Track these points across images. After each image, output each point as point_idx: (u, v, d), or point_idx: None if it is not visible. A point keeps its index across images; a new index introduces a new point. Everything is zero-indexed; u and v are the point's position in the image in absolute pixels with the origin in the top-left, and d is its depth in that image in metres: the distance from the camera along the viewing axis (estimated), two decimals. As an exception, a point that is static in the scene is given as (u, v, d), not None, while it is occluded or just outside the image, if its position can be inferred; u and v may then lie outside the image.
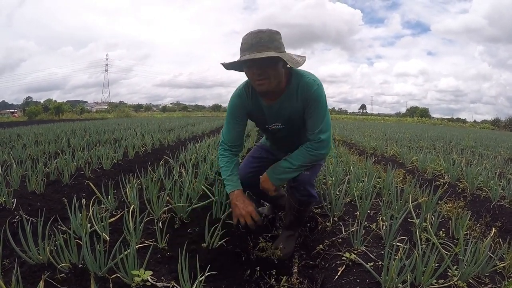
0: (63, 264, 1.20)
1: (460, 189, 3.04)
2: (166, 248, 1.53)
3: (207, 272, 1.24)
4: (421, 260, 1.24)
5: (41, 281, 0.99)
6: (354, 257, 1.49)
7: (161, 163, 3.25)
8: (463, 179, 3.22)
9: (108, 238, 1.47)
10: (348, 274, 1.43)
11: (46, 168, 3.07)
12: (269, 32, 1.37)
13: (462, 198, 2.83)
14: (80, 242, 1.34)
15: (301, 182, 1.64)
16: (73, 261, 1.24)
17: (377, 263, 1.46)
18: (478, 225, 2.27)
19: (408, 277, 1.19)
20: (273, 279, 1.47)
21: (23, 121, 16.92)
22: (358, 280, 1.37)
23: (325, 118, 1.52)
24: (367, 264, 1.38)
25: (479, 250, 1.37)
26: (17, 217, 1.99)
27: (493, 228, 2.04)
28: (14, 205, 2.11)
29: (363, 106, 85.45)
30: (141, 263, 1.23)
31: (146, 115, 34.18)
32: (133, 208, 1.72)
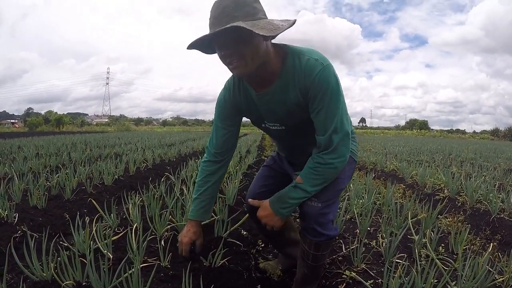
0: (67, 282, 1.21)
1: (460, 203, 3.05)
2: (169, 266, 1.54)
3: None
4: (420, 277, 1.25)
5: None
6: (355, 275, 1.50)
7: (162, 180, 3.27)
8: (463, 192, 3.22)
9: (111, 256, 1.49)
10: None
11: (48, 183, 3.09)
12: None
13: (461, 212, 2.83)
14: (83, 259, 1.36)
15: (309, 218, 1.24)
16: (77, 279, 1.26)
17: (377, 281, 1.46)
18: (478, 238, 2.29)
19: None
20: None
21: (24, 132, 17.06)
22: None
23: (338, 112, 1.09)
24: (367, 282, 1.39)
25: (478, 265, 1.38)
26: (19, 232, 2.00)
27: (492, 243, 2.05)
28: (16, 220, 2.11)
29: (362, 120, 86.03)
30: (145, 282, 1.24)
31: (147, 129, 34.35)
32: (136, 226, 1.73)
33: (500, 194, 2.92)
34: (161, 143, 9.15)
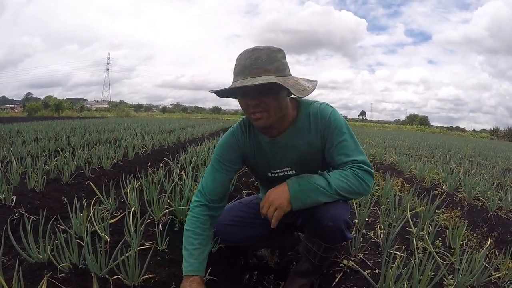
0: (63, 264, 1.20)
1: (458, 199, 3.06)
2: (166, 250, 1.53)
3: (207, 276, 1.25)
4: (418, 269, 1.24)
5: (44, 280, 0.99)
6: (352, 264, 1.50)
7: (161, 165, 3.26)
8: (461, 188, 3.24)
9: (108, 239, 1.48)
10: (346, 281, 1.43)
11: (46, 166, 3.07)
12: (267, 49, 1.05)
13: (459, 208, 2.85)
14: (80, 242, 1.35)
15: (335, 220, 1.15)
16: (73, 261, 1.25)
17: (374, 271, 1.46)
18: (474, 235, 2.29)
19: (405, 285, 1.20)
20: (271, 285, 1.48)
21: (23, 117, 16.90)
22: (355, 287, 1.37)
23: (357, 146, 1.19)
24: (365, 271, 1.38)
25: (475, 260, 1.38)
26: (17, 214, 1.99)
27: (489, 239, 2.06)
28: (13, 202, 2.11)
29: (362, 113, 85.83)
30: (142, 265, 1.23)
31: (146, 115, 34.22)
32: (133, 210, 1.72)
33: (498, 192, 2.93)
34: (160, 129, 9.11)
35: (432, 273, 1.28)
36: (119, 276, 1.20)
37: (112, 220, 1.74)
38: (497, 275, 1.46)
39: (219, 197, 1.26)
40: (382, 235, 1.80)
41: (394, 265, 1.26)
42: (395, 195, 2.37)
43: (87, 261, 1.19)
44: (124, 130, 8.55)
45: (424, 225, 1.91)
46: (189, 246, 1.19)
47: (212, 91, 1.13)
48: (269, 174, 1.30)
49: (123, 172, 3.55)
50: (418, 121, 43.82)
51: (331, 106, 1.21)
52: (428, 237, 1.74)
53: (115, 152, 4.22)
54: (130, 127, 9.85)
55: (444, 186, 3.46)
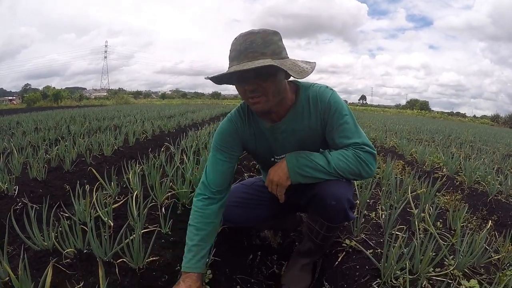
0: (68, 250, 1.20)
1: (458, 182, 3.06)
2: (170, 233, 1.54)
3: (212, 257, 1.25)
4: (419, 249, 1.25)
5: (49, 266, 0.99)
6: (355, 244, 1.50)
7: (162, 149, 3.24)
8: (461, 172, 3.24)
9: (112, 224, 1.48)
10: (348, 260, 1.44)
11: (47, 155, 3.06)
12: (263, 32, 1.01)
13: (459, 191, 2.85)
14: (84, 227, 1.35)
15: (339, 199, 1.14)
16: (78, 247, 1.25)
17: (376, 251, 1.47)
18: (474, 218, 2.31)
19: (407, 264, 1.20)
20: (275, 265, 1.49)
21: (22, 108, 16.82)
22: (357, 266, 1.38)
23: (358, 128, 1.17)
24: (367, 251, 1.38)
25: (475, 242, 1.39)
26: (20, 204, 2.00)
27: (489, 221, 2.06)
28: (16, 192, 2.11)
29: (363, 97, 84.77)
30: (146, 248, 1.23)
31: (146, 102, 34.00)
32: (136, 194, 1.71)
33: (498, 176, 2.93)
34: (160, 115, 9.05)
35: (434, 254, 1.29)
36: (124, 260, 1.21)
37: (115, 205, 1.74)
38: (497, 257, 1.46)
39: (223, 187, 1.24)
40: (383, 216, 1.80)
41: (396, 245, 1.26)
42: (396, 178, 2.36)
43: (92, 246, 1.20)
44: (124, 117, 8.51)
45: (425, 207, 1.91)
46: (190, 241, 1.17)
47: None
48: (272, 159, 1.28)
49: (124, 158, 3.55)
50: (419, 106, 43.44)
51: (330, 89, 1.18)
52: (429, 218, 1.74)
53: (116, 138, 4.21)
54: (130, 113, 9.80)
55: (444, 169, 3.46)
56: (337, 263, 1.45)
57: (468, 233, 1.46)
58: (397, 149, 4.84)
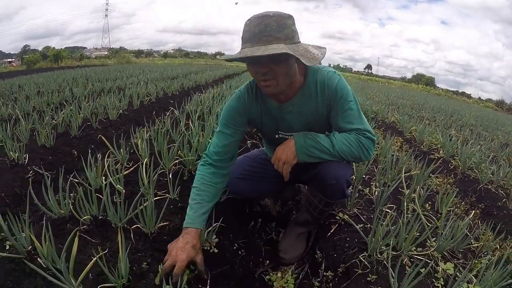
0: (85, 217, 1.26)
1: (453, 166, 3.11)
2: (177, 199, 1.59)
3: (216, 223, 1.31)
4: (405, 228, 1.31)
5: (76, 236, 1.04)
6: (347, 218, 1.56)
7: (167, 114, 3.22)
8: (457, 157, 3.26)
9: (123, 190, 1.52)
10: (340, 232, 1.51)
11: (53, 121, 3.05)
12: (277, 16, 1.02)
13: (452, 175, 2.90)
14: (97, 195, 1.39)
15: (338, 179, 1.23)
16: (93, 214, 1.30)
17: (366, 225, 1.52)
18: (463, 203, 2.37)
19: (392, 241, 1.28)
20: (273, 232, 1.57)
21: (22, 70, 16.45)
22: (348, 239, 1.45)
23: (361, 115, 1.22)
24: (357, 225, 1.45)
25: (457, 228, 1.44)
26: (31, 172, 2.04)
27: (473, 210, 2.17)
28: (26, 161, 2.15)
29: (368, 66, 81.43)
30: (158, 213, 1.28)
31: (147, 61, 33.26)
32: (146, 162, 1.75)
33: (492, 165, 2.94)
34: (163, 76, 8.89)
35: (418, 234, 1.35)
36: (138, 225, 1.27)
37: (126, 172, 1.78)
38: (476, 245, 1.52)
39: (226, 158, 1.29)
40: (376, 193, 1.84)
41: (384, 223, 1.31)
42: (392, 155, 2.38)
43: (108, 213, 1.25)
44: (126, 78, 8.38)
45: (417, 187, 1.94)
46: (191, 201, 1.23)
47: (220, 58, 1.15)
48: (276, 136, 1.33)
49: (129, 122, 3.57)
50: (424, 81, 42.01)
51: (338, 74, 1.20)
52: (418, 200, 1.78)
53: (120, 101, 4.18)
54: (132, 74, 9.62)
55: (441, 151, 3.48)
56: (329, 234, 1.52)
57: (453, 218, 1.51)
58: (397, 125, 4.82)
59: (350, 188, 1.66)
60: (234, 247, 1.43)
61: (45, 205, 1.30)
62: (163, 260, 1.10)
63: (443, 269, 1.25)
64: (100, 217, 1.31)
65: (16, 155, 2.12)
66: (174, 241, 1.15)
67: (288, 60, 1.05)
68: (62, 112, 3.28)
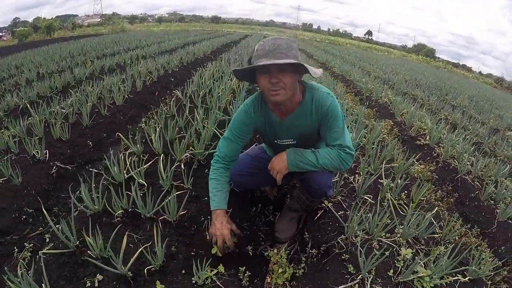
0: (119, 212, 1.53)
1: (436, 154, 3.17)
2: (191, 188, 1.86)
3: (228, 209, 1.57)
4: (377, 216, 1.58)
5: (125, 236, 1.32)
6: (330, 206, 1.84)
7: (172, 99, 3.38)
8: (442, 144, 3.29)
9: (145, 183, 1.79)
10: (325, 217, 1.80)
11: (62, 110, 3.16)
12: (287, 39, 1.28)
13: (434, 163, 3.01)
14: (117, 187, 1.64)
15: (321, 185, 1.55)
16: (124, 207, 1.57)
17: (346, 212, 1.79)
18: (439, 191, 2.56)
19: (366, 226, 1.58)
20: (270, 215, 1.91)
21: (14, 45, 16.03)
22: (330, 223, 1.75)
23: (345, 132, 1.44)
24: (338, 212, 1.75)
25: (423, 217, 1.69)
26: (54, 168, 2.24)
27: (447, 199, 2.44)
28: (47, 156, 2.31)
29: (369, 32, 77.88)
30: (179, 204, 1.57)
31: (142, 28, 32.22)
32: (162, 157, 1.99)
33: (474, 155, 3.04)
34: (161, 49, 8.83)
35: (389, 221, 1.62)
36: (164, 216, 1.56)
37: (145, 165, 2.00)
38: (440, 233, 1.76)
39: (233, 158, 1.58)
40: (359, 181, 2.07)
41: (359, 213, 1.59)
42: (377, 145, 2.53)
43: (138, 206, 1.53)
44: (124, 51, 8.34)
45: (397, 177, 2.17)
46: (213, 189, 1.52)
47: (234, 71, 1.37)
48: (276, 142, 1.57)
49: (135, 106, 3.74)
50: (425, 52, 40.41)
51: (332, 96, 1.41)
52: (393, 191, 2.02)
53: (123, 82, 4.30)
54: (130, 47, 9.53)
55: (428, 137, 3.52)
56: (316, 218, 1.82)
57: (424, 207, 1.77)
58: (390, 106, 4.81)
59: (337, 176, 1.97)
60: (240, 229, 1.71)
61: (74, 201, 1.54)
62: (213, 242, 1.44)
63: (403, 253, 1.52)
64: (130, 209, 1.58)
65: (36, 151, 2.28)
66: (212, 226, 1.47)
67: (294, 73, 1.28)
68: (70, 100, 3.39)
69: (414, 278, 1.39)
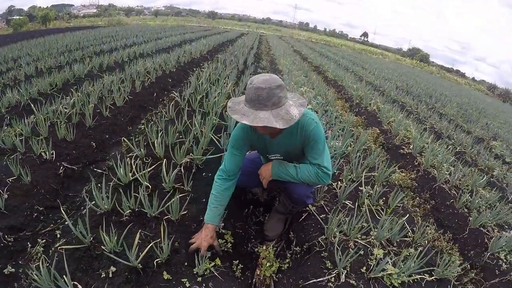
0: (127, 211, 1.73)
1: (417, 163, 3.34)
2: (190, 190, 2.06)
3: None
4: (355, 220, 1.81)
5: (135, 226, 1.51)
6: (314, 210, 2.09)
7: (171, 103, 3.55)
8: (424, 153, 3.44)
9: (149, 185, 1.98)
10: (308, 219, 2.05)
11: (65, 109, 3.27)
12: (268, 88, 1.41)
13: (415, 171, 3.21)
14: (120, 188, 1.84)
15: (300, 195, 1.82)
16: (131, 207, 1.77)
17: (327, 216, 2.00)
18: (417, 198, 2.78)
19: (344, 228, 1.83)
20: (261, 216, 2.17)
21: (9, 35, 15.81)
22: (313, 224, 2.00)
23: (324, 153, 1.66)
24: (320, 215, 2.00)
25: (396, 222, 1.91)
26: (61, 168, 2.39)
27: (423, 206, 2.65)
28: (54, 157, 2.44)
29: (365, 34, 78.41)
30: (181, 205, 1.79)
31: (138, 21, 32.05)
32: (165, 162, 2.20)
33: (455, 164, 3.21)
34: (157, 46, 8.94)
35: (366, 224, 1.86)
36: (168, 216, 1.77)
37: (150, 168, 2.20)
38: (412, 236, 1.98)
39: (236, 172, 1.77)
40: (341, 188, 2.28)
41: (337, 217, 1.83)
42: (360, 155, 2.73)
43: (145, 207, 1.74)
44: (122, 48, 8.42)
45: (376, 184, 2.39)
46: (211, 204, 1.72)
47: (228, 111, 1.52)
48: (266, 155, 1.83)
49: (135, 107, 3.90)
50: (419, 57, 41.20)
51: (315, 122, 1.62)
52: (372, 197, 2.24)
53: (123, 82, 4.45)
54: (127, 43, 9.59)
55: (411, 146, 3.65)
56: (301, 219, 2.06)
57: (400, 212, 2.00)
58: (378, 114, 4.94)
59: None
60: (234, 229, 1.94)
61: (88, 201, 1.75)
62: (190, 243, 1.62)
63: (375, 253, 1.75)
64: (137, 209, 1.78)
65: (43, 151, 2.40)
66: (198, 233, 1.68)
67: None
68: (72, 100, 3.53)
69: (384, 275, 1.60)
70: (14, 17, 23.14)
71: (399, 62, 30.17)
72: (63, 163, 2.45)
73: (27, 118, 2.83)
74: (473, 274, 2.04)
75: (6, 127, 2.85)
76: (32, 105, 3.28)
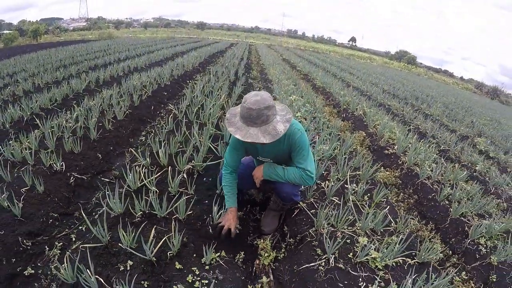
0: (139, 213, 1.94)
1: (401, 161, 3.54)
2: (193, 193, 2.29)
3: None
4: (341, 213, 2.06)
5: (147, 225, 1.73)
6: (304, 206, 2.33)
7: (170, 116, 3.77)
8: (408, 152, 3.60)
9: (157, 190, 2.20)
10: (300, 215, 2.30)
11: (69, 124, 3.43)
12: (257, 110, 1.67)
13: (399, 170, 3.42)
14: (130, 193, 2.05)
15: (287, 194, 2.05)
16: (142, 209, 1.99)
17: (317, 211, 2.23)
18: (401, 194, 3.01)
19: (332, 221, 2.07)
20: (257, 214, 2.41)
21: (0, 50, 15.90)
22: (304, 219, 2.24)
23: (308, 158, 1.90)
24: (311, 211, 2.25)
25: (379, 214, 2.14)
26: (72, 178, 2.56)
27: (407, 200, 2.87)
28: (64, 168, 2.62)
29: (353, 39, 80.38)
30: (186, 206, 2.01)
31: (128, 33, 32.34)
32: (169, 169, 2.43)
33: (437, 161, 3.41)
34: (150, 60, 9.16)
35: (352, 217, 2.09)
36: (176, 215, 1.99)
37: (157, 175, 2.42)
38: (394, 227, 2.21)
39: (237, 166, 2.09)
40: (329, 186, 2.53)
41: (325, 210, 2.08)
42: (348, 155, 2.99)
43: (155, 208, 1.96)
44: (116, 63, 8.60)
45: (361, 182, 2.63)
46: (227, 193, 2.04)
47: (225, 128, 1.81)
48: (258, 158, 2.11)
49: (134, 120, 4.10)
50: (406, 59, 42.56)
51: (301, 131, 1.88)
52: (357, 193, 2.49)
53: (121, 97, 4.65)
54: (120, 57, 9.78)
55: (395, 147, 3.84)
56: (293, 215, 2.31)
57: (384, 206, 2.24)
58: (364, 118, 5.13)
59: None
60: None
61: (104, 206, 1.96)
62: (220, 226, 1.91)
63: (360, 241, 1.98)
64: (147, 211, 1.99)
65: (53, 162, 2.58)
66: (224, 216, 1.98)
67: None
68: (75, 114, 3.72)
69: (368, 259, 1.83)
70: (4, 31, 23.20)
71: (387, 66, 30.77)
72: (73, 173, 2.62)
73: (32, 132, 2.96)
74: (455, 259, 2.24)
75: (12, 141, 2.96)
76: (36, 120, 3.40)
